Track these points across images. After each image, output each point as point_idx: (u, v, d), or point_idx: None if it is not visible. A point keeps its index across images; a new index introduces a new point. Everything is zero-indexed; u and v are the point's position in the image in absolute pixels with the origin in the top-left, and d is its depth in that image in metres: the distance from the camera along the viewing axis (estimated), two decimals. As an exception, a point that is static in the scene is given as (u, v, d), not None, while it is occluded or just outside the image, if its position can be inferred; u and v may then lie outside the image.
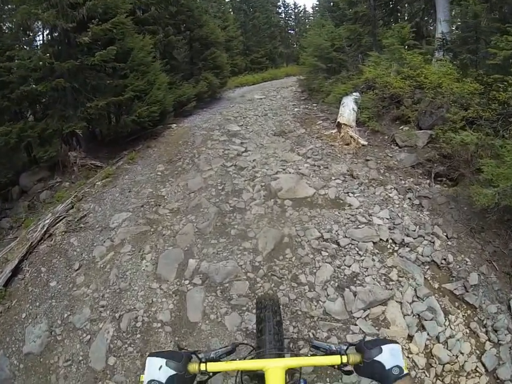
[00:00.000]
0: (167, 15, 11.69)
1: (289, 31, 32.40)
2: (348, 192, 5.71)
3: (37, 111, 8.43)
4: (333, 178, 6.17)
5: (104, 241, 5.29)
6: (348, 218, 5.01)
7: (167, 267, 4.57)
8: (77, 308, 4.32)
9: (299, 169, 6.45)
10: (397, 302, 3.79)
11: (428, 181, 5.90)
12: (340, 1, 13.08)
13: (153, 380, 1.17)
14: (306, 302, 3.84)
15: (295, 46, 30.79)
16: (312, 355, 1.44)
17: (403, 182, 5.91)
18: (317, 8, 32.04)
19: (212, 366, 1.28)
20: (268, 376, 1.24)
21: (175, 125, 9.76)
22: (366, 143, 7.52)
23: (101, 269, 4.83)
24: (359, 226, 4.82)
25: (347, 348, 1.32)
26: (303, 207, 5.38)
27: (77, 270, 4.91)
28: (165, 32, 11.50)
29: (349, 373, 1.33)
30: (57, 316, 4.31)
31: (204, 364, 1.28)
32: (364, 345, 1.27)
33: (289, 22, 32.55)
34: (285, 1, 32.07)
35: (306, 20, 33.06)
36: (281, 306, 3.07)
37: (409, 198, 5.48)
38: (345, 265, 4.25)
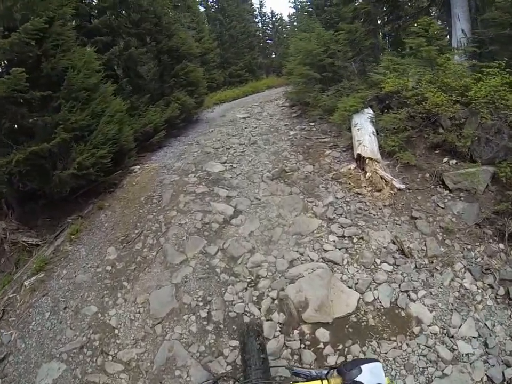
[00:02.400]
0: (127, 23, 8.90)
1: (268, 41, 29.64)
2: (407, 292, 3.65)
3: None
4: (378, 261, 4.00)
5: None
6: (425, 356, 3.09)
7: None
8: None
9: (324, 250, 4.13)
10: None
11: (502, 246, 4.10)
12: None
13: None
14: None
15: (274, 56, 28.08)
16: (293, 382, 1.27)
17: (472, 254, 4.06)
18: (293, 17, 29.63)
19: None
20: None
21: (138, 166, 7.06)
22: (403, 186, 5.16)
23: None
24: (445, 372, 2.96)
25: (327, 372, 1.26)
26: (349, 339, 3.19)
27: None
28: (124, 44, 8.66)
29: None
30: None
31: None
32: (343, 367, 1.20)
33: (267, 31, 29.76)
34: (261, 10, 29.24)
35: (283, 29, 30.32)
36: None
37: (490, 286, 3.72)
38: None
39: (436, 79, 5.77)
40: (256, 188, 5.54)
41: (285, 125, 8.77)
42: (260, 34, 28.65)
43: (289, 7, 56.58)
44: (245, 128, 9.00)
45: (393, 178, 5.23)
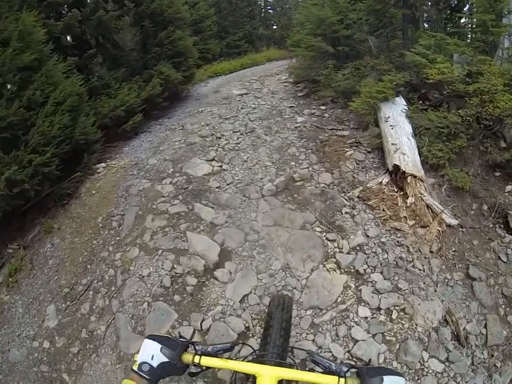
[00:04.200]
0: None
1: (269, 11, 26.61)
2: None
3: None
4: (426, 356, 2.64)
5: None
6: None
7: None
8: None
9: (353, 338, 2.73)
10: None
11: None
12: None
13: (145, 362, 1.11)
14: None
15: (275, 27, 25.21)
16: (310, 370, 1.29)
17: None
18: (298, -14, 26.57)
19: (206, 360, 1.18)
20: (258, 383, 1.13)
21: (103, 164, 5.25)
22: (455, 222, 3.71)
23: None
24: None
25: (347, 370, 1.13)
26: None
27: None
28: (93, 5, 6.53)
29: None
30: None
31: (199, 357, 1.19)
32: (365, 371, 1.08)
33: (269, 0, 26.65)
34: (264, -24, 25.99)
35: (286, -1, 27.26)
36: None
37: None
38: None
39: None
40: (253, 209, 3.81)
41: (290, 106, 6.92)
42: (261, 3, 25.68)
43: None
44: (241, 108, 7.15)
45: (444, 210, 3.48)
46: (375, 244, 3.43)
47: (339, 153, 4.56)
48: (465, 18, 6.85)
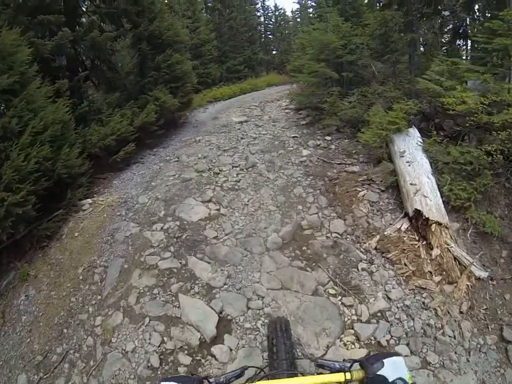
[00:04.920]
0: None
1: (269, 36, 26.62)
2: None
3: None
4: None
5: None
6: None
7: None
8: None
9: None
10: None
11: None
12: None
13: None
14: None
15: (274, 52, 25.16)
16: (318, 374, 1.26)
17: None
18: (297, 12, 26.77)
19: None
20: None
21: (90, 200, 4.72)
22: (485, 274, 3.20)
23: None
24: None
25: (351, 365, 1.19)
26: None
27: None
28: (88, 24, 6.15)
29: None
30: None
31: None
32: (366, 361, 1.15)
33: (269, 25, 26.68)
34: (264, 3, 26.07)
35: (286, 25, 27.25)
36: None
37: None
38: None
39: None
40: (256, 267, 3.27)
41: (293, 136, 6.46)
42: (262, 28, 25.70)
43: (293, 2, 53.09)
44: (241, 138, 6.69)
45: (473, 261, 2.97)
46: (398, 308, 2.90)
47: (351, 194, 4.06)
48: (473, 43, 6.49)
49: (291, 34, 23.83)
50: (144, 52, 7.28)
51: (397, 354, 1.15)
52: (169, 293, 3.08)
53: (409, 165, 3.97)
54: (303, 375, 1.39)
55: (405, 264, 3.25)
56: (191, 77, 8.35)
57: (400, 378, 1.07)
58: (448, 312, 2.93)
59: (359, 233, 3.55)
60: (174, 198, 4.42)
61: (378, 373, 1.09)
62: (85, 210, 4.46)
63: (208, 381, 1.20)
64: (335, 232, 3.58)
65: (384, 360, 1.10)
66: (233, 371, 1.26)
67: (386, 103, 5.77)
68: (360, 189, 4.19)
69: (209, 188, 4.59)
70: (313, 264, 3.24)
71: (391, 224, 3.69)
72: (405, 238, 3.47)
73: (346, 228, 3.62)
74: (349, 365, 1.17)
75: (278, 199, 4.27)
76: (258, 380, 1.31)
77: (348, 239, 3.51)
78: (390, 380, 1.07)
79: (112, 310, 3.04)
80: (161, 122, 6.83)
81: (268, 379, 1.39)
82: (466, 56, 8.11)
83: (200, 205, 4.17)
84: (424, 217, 3.38)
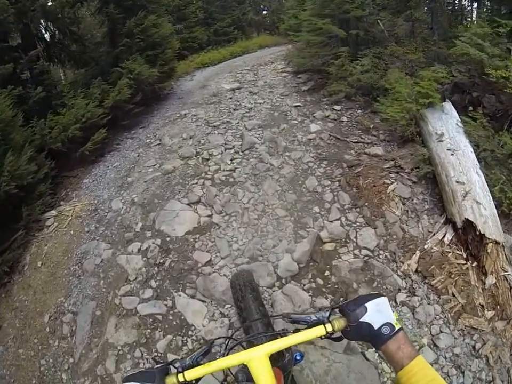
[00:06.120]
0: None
1: (260, -6, 24.38)
2: None
3: None
4: None
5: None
6: None
7: None
8: None
9: None
10: None
11: None
12: None
13: None
14: None
15: (265, 12, 23.10)
16: (294, 331, 1.04)
17: None
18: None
19: (191, 374, 0.98)
20: (251, 369, 0.96)
21: (55, 212, 3.76)
22: None
23: None
24: None
25: (329, 314, 1.00)
26: None
27: None
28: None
29: (339, 339, 1.01)
30: None
31: (182, 374, 0.98)
32: (346, 307, 0.97)
33: (259, -19, 24.41)
34: (254, -44, 23.60)
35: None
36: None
37: None
38: None
39: None
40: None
41: (296, 106, 5.43)
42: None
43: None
44: (234, 109, 5.64)
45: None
46: (446, 358, 2.11)
47: (379, 190, 3.11)
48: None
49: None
50: (112, 16, 5.98)
51: (379, 295, 0.96)
52: (156, 353, 2.26)
53: (452, 154, 3.00)
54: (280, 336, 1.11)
55: (453, 295, 2.40)
56: (172, 41, 7.09)
57: (387, 324, 0.88)
58: (500, 359, 2.15)
59: (394, 247, 2.67)
60: (153, 200, 3.47)
61: (361, 319, 0.90)
62: (49, 226, 3.52)
63: (174, 366, 0.98)
64: (365, 248, 2.68)
65: (366, 305, 0.92)
66: (199, 348, 1.15)
67: (406, 68, 4.74)
68: (388, 181, 3.24)
69: (196, 183, 3.63)
70: (341, 299, 2.39)
71: (430, 231, 2.80)
72: (449, 255, 2.59)
73: (379, 241, 2.72)
74: (327, 314, 0.98)
75: (286, 197, 3.30)
76: (232, 350, 1.12)
77: (381, 257, 2.63)
78: (376, 327, 0.88)
79: (88, 381, 2.25)
80: (138, 98, 5.69)
81: (244, 348, 1.21)
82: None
83: (186, 210, 3.23)
84: (478, 232, 2.49)
